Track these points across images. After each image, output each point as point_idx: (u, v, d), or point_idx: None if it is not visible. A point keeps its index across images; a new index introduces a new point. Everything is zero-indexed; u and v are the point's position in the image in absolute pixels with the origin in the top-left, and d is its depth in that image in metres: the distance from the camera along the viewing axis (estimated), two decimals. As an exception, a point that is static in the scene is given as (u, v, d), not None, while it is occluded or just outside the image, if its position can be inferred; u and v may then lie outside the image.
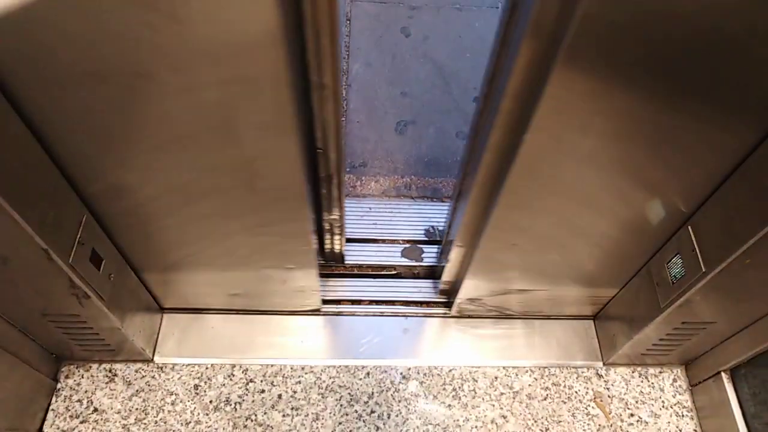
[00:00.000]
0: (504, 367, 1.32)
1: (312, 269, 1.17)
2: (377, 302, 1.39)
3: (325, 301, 1.37)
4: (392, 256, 1.44)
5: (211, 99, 0.73)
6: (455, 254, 1.20)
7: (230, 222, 1.01)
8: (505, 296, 1.29)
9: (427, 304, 1.39)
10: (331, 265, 1.42)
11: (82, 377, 1.23)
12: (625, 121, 0.79)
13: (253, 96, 0.73)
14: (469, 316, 1.38)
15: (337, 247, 1.35)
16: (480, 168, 0.92)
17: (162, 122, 0.78)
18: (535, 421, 1.25)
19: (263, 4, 0.61)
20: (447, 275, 1.30)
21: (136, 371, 1.25)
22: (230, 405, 1.23)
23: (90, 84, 0.71)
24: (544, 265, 1.16)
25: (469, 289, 1.25)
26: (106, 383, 1.23)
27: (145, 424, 1.19)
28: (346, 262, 1.42)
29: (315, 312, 1.36)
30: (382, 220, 1.52)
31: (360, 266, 1.43)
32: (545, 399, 1.29)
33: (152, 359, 1.26)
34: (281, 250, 1.10)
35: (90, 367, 1.24)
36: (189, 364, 1.27)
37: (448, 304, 1.38)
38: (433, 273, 1.43)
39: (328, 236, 1.29)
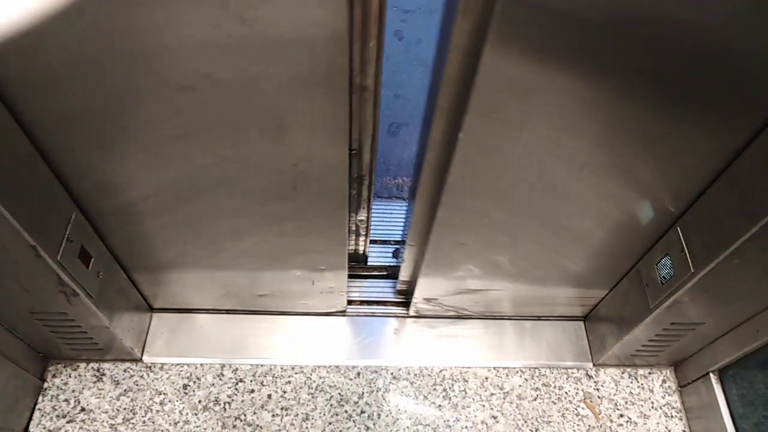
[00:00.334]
0: (494, 368, 1.32)
1: (342, 270, 1.18)
2: (368, 302, 1.39)
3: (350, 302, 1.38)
4: (384, 256, 1.44)
5: (265, 99, 0.74)
6: (408, 253, 1.19)
7: (253, 220, 1.00)
8: (463, 296, 1.28)
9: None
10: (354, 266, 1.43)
11: (70, 376, 1.22)
12: (570, 117, 0.77)
13: (311, 96, 0.74)
14: (426, 316, 1.38)
15: (361, 248, 1.35)
16: (424, 166, 0.92)
17: (200, 121, 0.78)
18: (525, 422, 1.26)
19: (334, 6, 0.62)
20: (403, 275, 1.29)
21: (125, 371, 1.24)
22: (219, 405, 1.22)
23: (113, 81, 0.71)
24: (500, 264, 1.15)
25: (423, 288, 1.25)
26: (94, 383, 1.22)
27: (133, 423, 1.18)
28: (369, 263, 1.43)
29: (341, 313, 1.36)
30: (374, 221, 1.51)
31: (352, 266, 1.43)
32: (535, 399, 1.29)
33: (141, 359, 1.25)
34: (314, 251, 1.10)
35: (78, 366, 1.23)
36: (178, 364, 1.26)
37: (406, 304, 1.38)
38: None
39: (353, 237, 1.30)
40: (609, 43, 0.67)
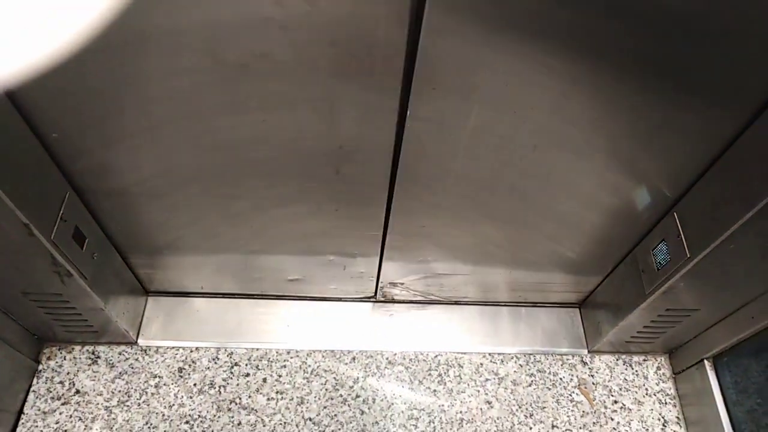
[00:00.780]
0: (489, 354, 1.32)
1: (375, 256, 1.17)
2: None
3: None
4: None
5: (321, 79, 0.73)
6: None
7: (291, 203, 0.99)
8: (430, 280, 1.27)
9: (414, 290, 1.39)
10: None
11: (65, 359, 1.22)
12: (521, 94, 0.75)
13: (366, 76, 0.73)
14: (395, 301, 1.37)
15: None
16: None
17: (250, 100, 0.76)
18: (520, 407, 1.26)
19: None
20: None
21: (120, 353, 1.24)
22: (214, 388, 1.22)
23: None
24: (462, 247, 1.14)
25: (388, 272, 1.24)
26: (89, 365, 1.22)
27: (128, 406, 1.18)
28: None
29: (370, 299, 1.36)
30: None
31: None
32: (530, 385, 1.29)
33: (136, 342, 1.25)
34: (350, 235, 1.09)
35: (72, 348, 1.23)
36: (173, 347, 1.26)
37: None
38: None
39: None
40: (569, 17, 0.64)
